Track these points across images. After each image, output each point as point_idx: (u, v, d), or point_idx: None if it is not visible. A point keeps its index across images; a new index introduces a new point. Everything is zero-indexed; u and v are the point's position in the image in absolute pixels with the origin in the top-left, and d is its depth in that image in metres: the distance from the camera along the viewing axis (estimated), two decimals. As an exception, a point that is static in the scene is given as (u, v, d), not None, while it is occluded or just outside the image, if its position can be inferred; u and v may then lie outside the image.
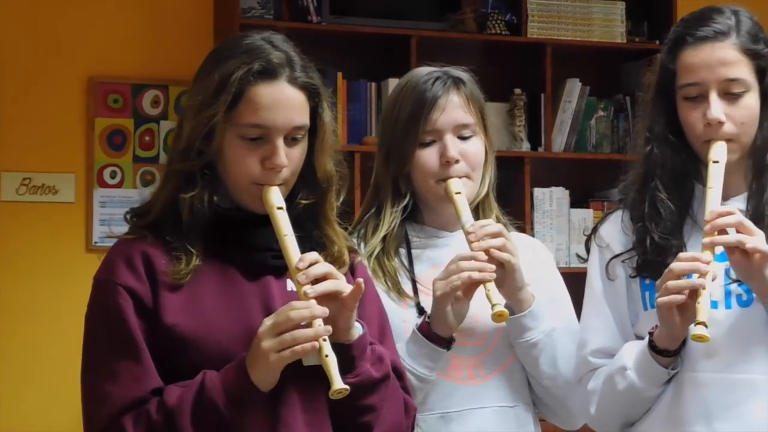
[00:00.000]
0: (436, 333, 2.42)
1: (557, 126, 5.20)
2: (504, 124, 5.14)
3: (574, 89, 5.21)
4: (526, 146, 5.14)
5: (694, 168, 2.33)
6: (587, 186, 5.21)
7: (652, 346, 2.28)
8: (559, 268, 2.53)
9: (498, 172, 2.69)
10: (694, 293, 2.18)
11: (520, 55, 5.22)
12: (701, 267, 2.18)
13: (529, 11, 5.15)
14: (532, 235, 4.86)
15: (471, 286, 2.40)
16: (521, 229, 2.73)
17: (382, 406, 2.14)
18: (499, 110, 5.13)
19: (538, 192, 5.11)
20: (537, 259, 2.65)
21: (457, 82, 2.55)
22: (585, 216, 5.14)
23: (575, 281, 2.51)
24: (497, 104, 5.11)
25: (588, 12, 5.23)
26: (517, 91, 5.15)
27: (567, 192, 5.18)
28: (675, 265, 2.21)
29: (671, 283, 2.20)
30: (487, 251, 2.39)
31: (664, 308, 2.21)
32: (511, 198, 4.89)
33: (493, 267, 2.38)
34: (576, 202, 5.20)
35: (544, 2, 5.17)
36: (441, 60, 2.65)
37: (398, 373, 2.22)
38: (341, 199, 2.21)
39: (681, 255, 2.22)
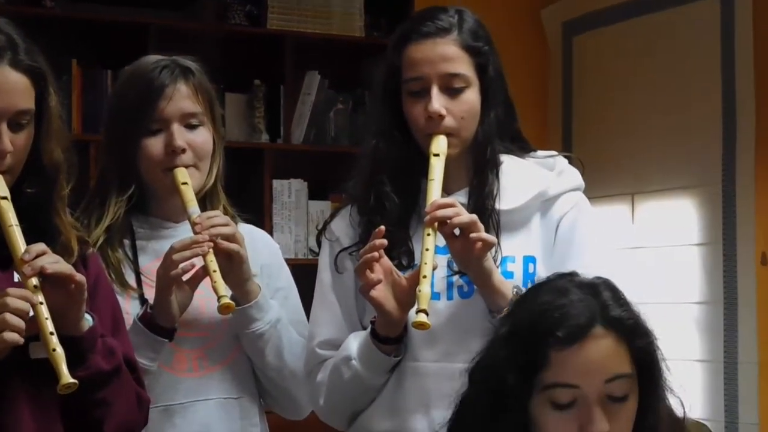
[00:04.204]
0: (157, 323, 2.40)
1: (296, 118, 5.21)
2: (243, 115, 5.12)
3: (313, 82, 5.23)
4: (265, 138, 5.13)
5: (420, 163, 2.37)
6: (326, 178, 5.23)
7: (375, 335, 2.32)
8: (297, 260, 2.56)
9: (237, 163, 2.68)
10: (413, 280, 2.23)
11: (260, 47, 5.21)
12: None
13: (270, 3, 5.13)
14: (271, 227, 4.89)
15: (195, 277, 2.40)
16: (251, 221, 2.73)
17: (113, 400, 2.11)
18: (239, 101, 5.11)
19: (277, 184, 5.11)
20: (265, 249, 2.67)
21: (186, 72, 2.55)
22: (323, 208, 5.17)
23: (313, 273, 2.53)
24: (237, 95, 5.09)
25: (327, 5, 5.27)
26: (257, 82, 5.13)
27: (306, 184, 5.20)
28: (363, 251, 2.28)
29: (359, 270, 2.27)
30: (213, 242, 2.39)
31: (366, 295, 2.27)
32: (249, 189, 4.88)
33: (211, 244, 2.38)
34: (315, 195, 5.22)
35: (284, -6, 5.18)
36: (180, 49, 2.63)
37: (131, 365, 2.19)
38: (69, 187, 2.16)
39: (376, 241, 2.27)
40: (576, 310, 1.89)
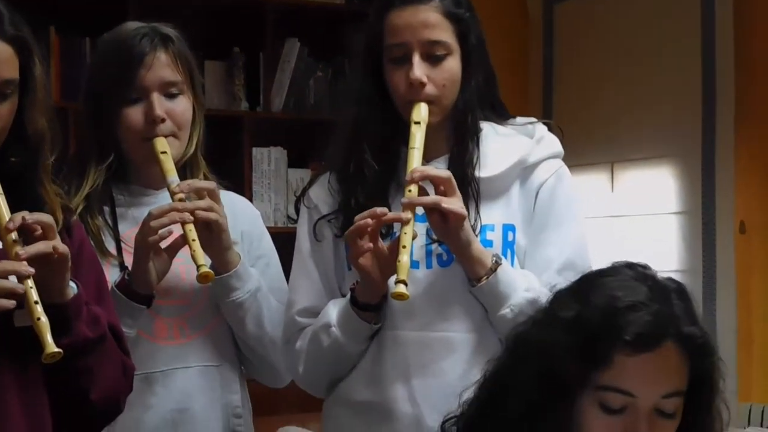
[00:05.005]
0: (134, 290, 2.41)
1: (276, 86, 5.20)
2: (223, 83, 5.11)
3: (293, 50, 5.22)
4: (244, 105, 5.12)
5: (400, 131, 2.36)
6: (306, 146, 5.23)
7: (354, 301, 2.32)
8: (277, 228, 2.55)
9: (216, 131, 2.67)
10: (393, 249, 2.23)
11: (239, 14, 5.19)
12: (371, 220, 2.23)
13: (249, -31, 5.13)
14: (250, 195, 4.88)
15: (174, 245, 2.40)
16: (231, 189, 2.71)
17: (98, 368, 2.10)
18: (218, 69, 5.10)
19: (257, 152, 5.11)
20: (245, 216, 2.67)
21: (165, 40, 2.53)
22: (303, 176, 5.16)
23: (293, 241, 2.53)
24: (216, 63, 5.08)
25: (306, -28, 5.26)
26: (236, 50, 5.12)
27: (285, 152, 5.19)
28: (358, 217, 2.26)
29: (349, 236, 2.26)
30: (192, 212, 2.39)
31: (354, 261, 2.27)
32: (229, 158, 4.87)
33: (190, 214, 2.39)
34: (294, 163, 5.22)
35: (262, -39, 5.15)
36: (159, 17, 2.61)
37: (116, 333, 2.18)
38: (53, 156, 2.15)
39: (377, 210, 2.26)
40: (649, 317, 1.83)
